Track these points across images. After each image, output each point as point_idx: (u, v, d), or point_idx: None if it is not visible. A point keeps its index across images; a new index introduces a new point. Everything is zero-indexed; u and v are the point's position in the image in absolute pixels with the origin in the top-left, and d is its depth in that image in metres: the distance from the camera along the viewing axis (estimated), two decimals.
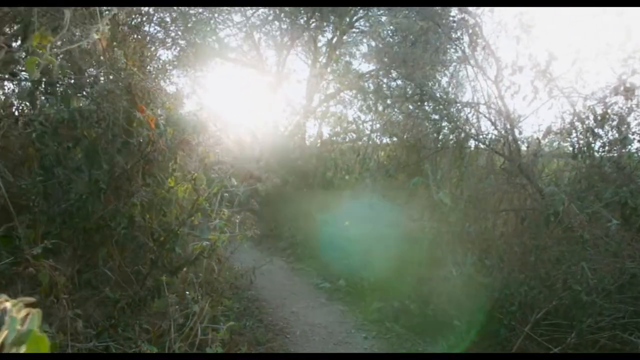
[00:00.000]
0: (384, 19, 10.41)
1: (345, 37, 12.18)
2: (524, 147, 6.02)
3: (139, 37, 3.79)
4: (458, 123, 6.39)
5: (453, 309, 4.16)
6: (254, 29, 11.80)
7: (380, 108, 8.88)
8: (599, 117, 5.24)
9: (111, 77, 2.79)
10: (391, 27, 9.41)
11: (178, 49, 5.69)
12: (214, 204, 3.06)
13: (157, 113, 2.86)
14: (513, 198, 5.61)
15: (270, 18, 11.63)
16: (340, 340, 4.57)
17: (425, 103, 7.10)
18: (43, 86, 2.79)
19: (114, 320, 2.60)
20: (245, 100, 12.80)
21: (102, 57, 2.72)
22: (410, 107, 7.65)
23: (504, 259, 4.07)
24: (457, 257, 4.31)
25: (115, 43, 2.85)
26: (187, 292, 3.42)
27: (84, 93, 2.99)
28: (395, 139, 8.80)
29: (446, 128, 6.96)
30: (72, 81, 2.88)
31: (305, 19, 11.40)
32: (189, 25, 5.78)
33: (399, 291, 5.21)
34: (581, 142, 5.49)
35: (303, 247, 7.92)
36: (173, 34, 5.64)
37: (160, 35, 5.41)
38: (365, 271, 5.93)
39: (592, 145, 5.39)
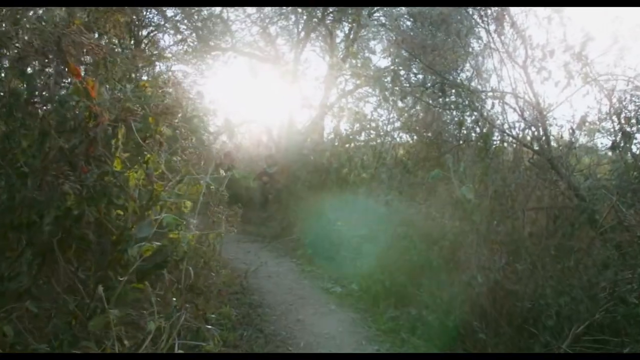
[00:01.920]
0: (403, 9, 9.96)
1: (363, 32, 11.82)
2: (554, 140, 5.49)
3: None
4: (483, 113, 5.85)
5: (478, 320, 3.63)
6: (269, 21, 11.50)
7: (399, 104, 8.42)
8: None
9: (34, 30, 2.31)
10: (411, 18, 8.98)
11: (173, 32, 5.27)
12: (175, 195, 2.59)
13: (115, 85, 2.40)
14: (543, 195, 5.05)
15: (284, 10, 11.30)
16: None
17: (447, 93, 6.60)
18: None
19: (61, 337, 2.15)
20: (260, 96, 12.50)
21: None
22: (430, 100, 7.17)
23: (536, 264, 3.52)
24: (483, 260, 3.77)
25: None
26: (175, 299, 3.00)
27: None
28: (415, 136, 8.37)
29: (469, 120, 6.45)
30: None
31: (321, 11, 11.03)
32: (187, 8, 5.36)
33: (416, 297, 4.71)
34: (620, 132, 4.94)
35: (315, 247, 7.45)
36: (171, 14, 5.20)
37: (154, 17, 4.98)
38: (379, 274, 5.43)
39: (633, 136, 4.85)
